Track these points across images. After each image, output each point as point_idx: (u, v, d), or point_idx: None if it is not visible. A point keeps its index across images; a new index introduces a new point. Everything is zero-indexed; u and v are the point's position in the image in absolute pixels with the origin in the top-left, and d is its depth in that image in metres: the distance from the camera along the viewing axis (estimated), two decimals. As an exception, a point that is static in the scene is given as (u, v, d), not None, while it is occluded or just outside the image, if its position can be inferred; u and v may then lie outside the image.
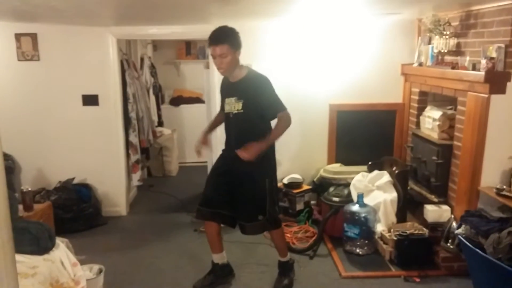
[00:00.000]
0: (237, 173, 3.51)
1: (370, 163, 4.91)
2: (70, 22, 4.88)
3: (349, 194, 4.69)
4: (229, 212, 3.62)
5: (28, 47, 5.02)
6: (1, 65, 4.98)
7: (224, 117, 3.60)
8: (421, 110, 4.91)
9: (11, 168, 5.07)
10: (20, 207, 4.04)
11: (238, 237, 4.49)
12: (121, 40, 5.55)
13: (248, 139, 3.39)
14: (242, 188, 3.53)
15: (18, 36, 5.00)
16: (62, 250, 3.20)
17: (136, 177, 5.73)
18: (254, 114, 3.41)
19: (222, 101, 3.60)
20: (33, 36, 5.01)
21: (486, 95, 3.65)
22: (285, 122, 3.40)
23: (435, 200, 4.36)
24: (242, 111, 3.39)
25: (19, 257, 2.78)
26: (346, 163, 5.32)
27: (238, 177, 3.52)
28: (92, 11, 4.02)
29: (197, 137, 3.65)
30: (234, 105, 3.41)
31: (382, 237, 4.34)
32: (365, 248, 4.34)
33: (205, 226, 3.81)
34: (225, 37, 3.28)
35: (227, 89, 3.51)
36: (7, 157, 5.01)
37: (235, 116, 3.43)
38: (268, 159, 3.53)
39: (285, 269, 3.85)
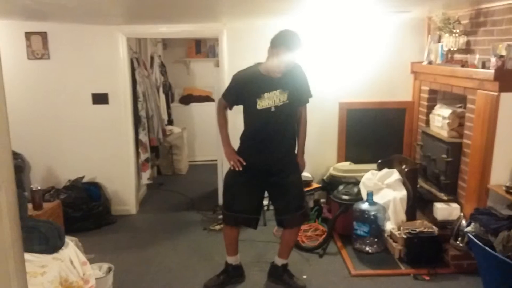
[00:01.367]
0: (277, 171, 3.57)
1: (379, 161, 4.89)
2: (80, 21, 4.91)
3: (359, 192, 4.68)
4: (258, 215, 3.73)
5: (38, 46, 5.06)
6: (11, 64, 5.02)
7: (254, 115, 3.50)
8: (430, 108, 4.89)
9: (21, 166, 5.11)
10: (30, 206, 4.07)
11: (248, 236, 4.51)
12: (131, 38, 5.56)
13: (287, 129, 3.53)
14: (286, 182, 3.58)
15: (28, 35, 5.03)
16: (71, 249, 3.23)
17: (146, 175, 5.76)
18: (296, 103, 3.51)
19: (251, 98, 3.44)
20: (43, 35, 5.04)
21: (496, 93, 3.63)
22: (306, 120, 3.66)
23: (445, 198, 4.34)
24: (287, 101, 3.41)
25: (28, 256, 2.81)
26: (356, 161, 5.31)
27: (280, 174, 3.57)
28: (102, 9, 4.04)
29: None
30: (279, 98, 3.40)
31: (391, 235, 4.32)
32: (375, 246, 4.33)
33: (226, 230, 3.82)
34: (300, 49, 3.34)
35: (262, 84, 3.41)
36: (16, 156, 5.05)
37: (279, 108, 3.42)
38: (295, 154, 3.67)
39: (288, 269, 3.86)
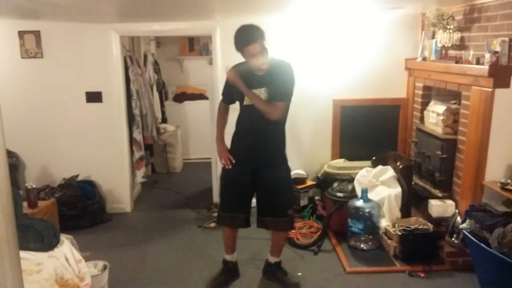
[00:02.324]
0: (263, 169, 3.52)
1: (374, 158, 4.90)
2: (73, 19, 4.89)
3: (353, 189, 4.68)
4: (248, 214, 3.68)
5: (31, 45, 5.03)
6: (4, 63, 4.99)
7: (242, 109, 3.51)
8: (425, 104, 4.89)
9: (15, 165, 5.09)
10: (25, 204, 4.05)
11: (243, 233, 4.49)
12: (124, 36, 5.54)
13: (273, 128, 3.45)
14: (273, 183, 3.53)
15: (21, 34, 5.00)
16: (66, 247, 3.22)
17: (140, 173, 5.75)
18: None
19: (241, 93, 3.42)
20: (37, 34, 5.01)
21: (490, 89, 3.63)
22: (272, 108, 3.33)
23: (440, 195, 4.34)
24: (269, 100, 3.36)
25: (23, 254, 2.80)
26: (350, 158, 5.31)
27: (265, 173, 3.52)
28: (95, 8, 4.02)
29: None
30: (264, 95, 3.36)
31: (386, 232, 4.33)
32: (370, 243, 4.33)
33: (224, 230, 3.81)
34: (257, 34, 3.23)
35: (252, 80, 3.37)
36: (11, 155, 5.03)
37: None
38: (285, 154, 3.60)
39: (281, 267, 3.86)
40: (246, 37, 3.23)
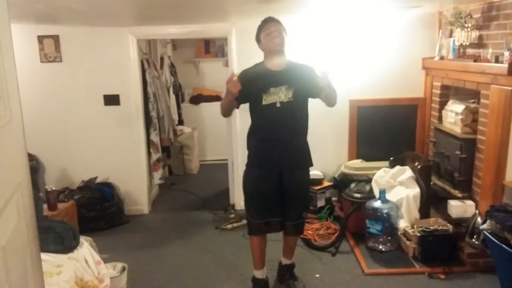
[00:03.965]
0: (286, 172, 3.41)
1: (391, 158, 4.86)
2: (91, 24, 4.94)
3: (371, 190, 4.65)
4: (281, 217, 3.54)
5: (50, 49, 5.10)
6: (24, 67, 5.05)
7: (260, 111, 3.34)
8: (443, 104, 4.84)
9: (36, 168, 5.15)
10: (45, 206, 4.10)
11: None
12: (141, 40, 5.58)
13: (295, 129, 3.39)
14: (293, 187, 3.43)
15: (40, 38, 5.08)
16: (86, 249, 3.25)
17: (158, 175, 5.78)
18: (302, 101, 3.37)
19: (258, 93, 3.28)
20: (55, 38, 5.08)
21: (510, 88, 3.58)
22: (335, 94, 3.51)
23: (459, 195, 4.29)
24: (292, 99, 3.27)
25: (44, 256, 2.83)
26: (367, 159, 5.28)
27: (288, 176, 3.41)
28: (112, 12, 4.05)
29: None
30: (285, 94, 3.25)
31: (405, 233, 4.29)
32: (388, 244, 4.30)
33: (254, 241, 3.60)
34: (278, 21, 3.33)
35: (269, 79, 3.28)
36: (31, 157, 5.09)
37: (285, 105, 3.26)
38: (310, 155, 3.54)
39: (293, 271, 3.82)
40: (267, 20, 3.33)
